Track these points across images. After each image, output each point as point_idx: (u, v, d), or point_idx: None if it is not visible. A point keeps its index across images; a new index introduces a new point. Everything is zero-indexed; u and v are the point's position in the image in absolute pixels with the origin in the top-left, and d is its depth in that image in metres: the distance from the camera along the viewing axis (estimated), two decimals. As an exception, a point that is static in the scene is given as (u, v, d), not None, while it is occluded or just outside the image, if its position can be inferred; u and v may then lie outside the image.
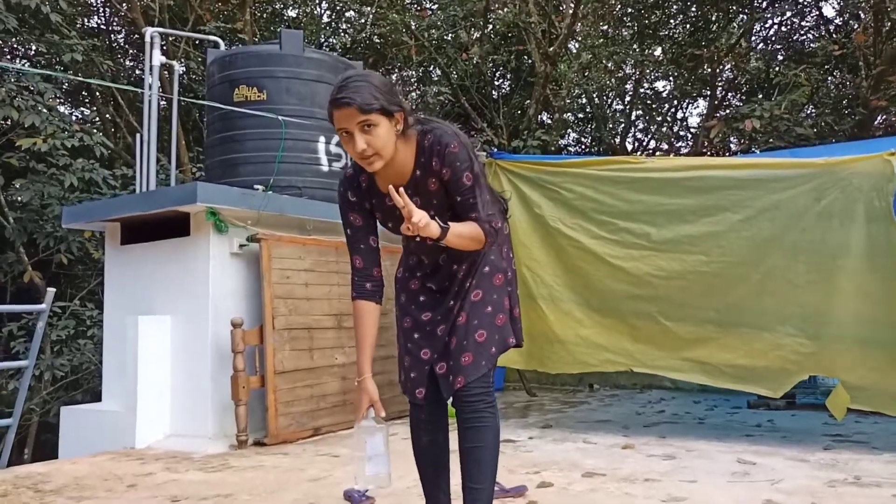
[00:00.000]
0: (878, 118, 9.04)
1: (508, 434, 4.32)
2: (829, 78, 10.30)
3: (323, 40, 11.65)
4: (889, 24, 8.36)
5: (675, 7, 10.74)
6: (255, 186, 4.81)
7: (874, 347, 3.63)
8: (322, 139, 5.35)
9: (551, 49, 9.35)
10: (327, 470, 3.54)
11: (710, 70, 10.48)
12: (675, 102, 12.31)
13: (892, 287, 3.55)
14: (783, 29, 10.71)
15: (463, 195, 2.02)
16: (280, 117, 5.07)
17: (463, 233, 2.01)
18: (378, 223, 2.19)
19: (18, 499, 3.10)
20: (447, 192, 2.04)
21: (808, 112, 9.94)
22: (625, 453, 3.82)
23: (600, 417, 5.18)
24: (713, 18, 10.37)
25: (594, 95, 12.26)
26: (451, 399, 2.12)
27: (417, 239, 2.10)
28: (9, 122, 8.32)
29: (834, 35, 9.81)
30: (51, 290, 4.23)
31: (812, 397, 5.39)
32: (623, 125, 12.57)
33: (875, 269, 3.61)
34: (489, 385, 2.08)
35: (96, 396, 5.95)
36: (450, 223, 1.99)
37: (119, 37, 11.49)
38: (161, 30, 6.72)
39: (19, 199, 8.21)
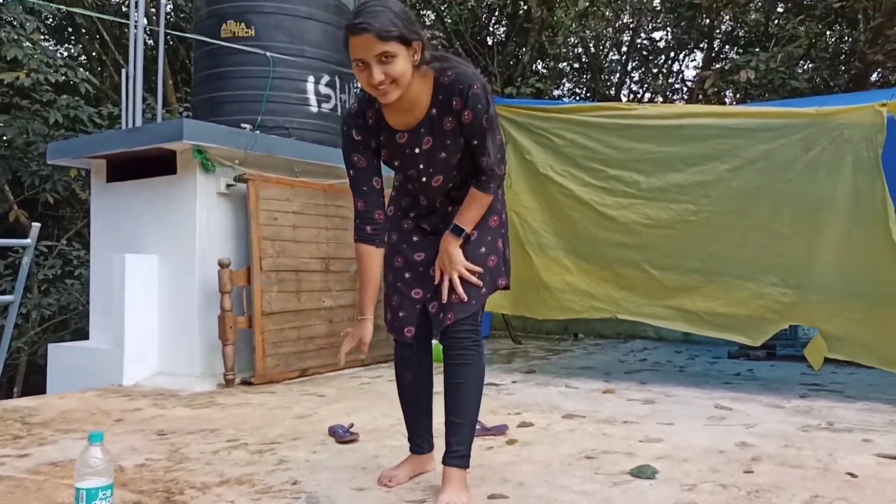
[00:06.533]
0: (874, 74, 8.96)
1: (492, 378, 4.38)
2: (828, 32, 10.16)
3: (314, -21, 11.34)
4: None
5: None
6: (243, 125, 4.74)
7: (853, 298, 3.68)
8: (311, 79, 5.26)
9: (548, -6, 9.17)
10: (312, 408, 3.59)
11: (708, 21, 10.31)
12: (672, 54, 12.15)
13: (873, 239, 3.56)
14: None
15: (478, 137, 2.00)
16: (268, 54, 4.97)
17: (475, 216, 2.08)
18: (382, 163, 2.14)
19: (6, 430, 3.13)
20: (461, 132, 2.01)
21: (805, 67, 9.84)
22: (605, 397, 3.89)
23: (583, 364, 5.25)
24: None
25: (590, 44, 12.07)
26: (436, 339, 2.14)
27: (423, 179, 2.09)
28: (-10, 58, 8.12)
29: (835, -13, 9.64)
30: (36, 225, 4.19)
31: (792, 349, 5.47)
32: (618, 76, 12.42)
33: (858, 220, 3.62)
34: (477, 325, 2.10)
35: (84, 337, 5.97)
36: (457, 223, 2.07)
37: (104, -31, 11.12)
38: (147, -38, 6.51)
39: (4, 136, 8.09)
